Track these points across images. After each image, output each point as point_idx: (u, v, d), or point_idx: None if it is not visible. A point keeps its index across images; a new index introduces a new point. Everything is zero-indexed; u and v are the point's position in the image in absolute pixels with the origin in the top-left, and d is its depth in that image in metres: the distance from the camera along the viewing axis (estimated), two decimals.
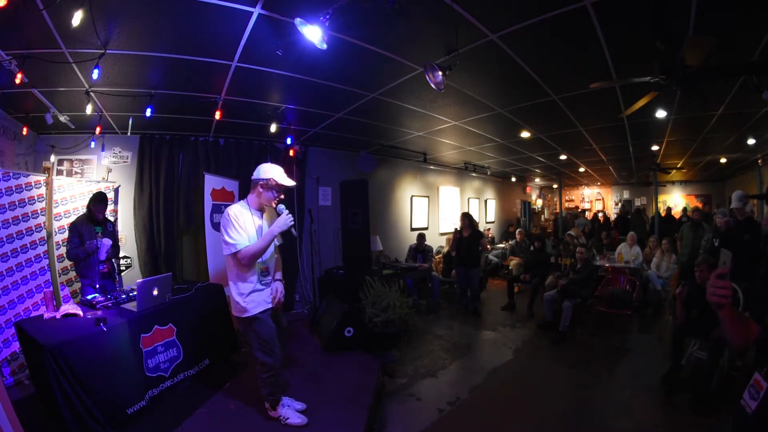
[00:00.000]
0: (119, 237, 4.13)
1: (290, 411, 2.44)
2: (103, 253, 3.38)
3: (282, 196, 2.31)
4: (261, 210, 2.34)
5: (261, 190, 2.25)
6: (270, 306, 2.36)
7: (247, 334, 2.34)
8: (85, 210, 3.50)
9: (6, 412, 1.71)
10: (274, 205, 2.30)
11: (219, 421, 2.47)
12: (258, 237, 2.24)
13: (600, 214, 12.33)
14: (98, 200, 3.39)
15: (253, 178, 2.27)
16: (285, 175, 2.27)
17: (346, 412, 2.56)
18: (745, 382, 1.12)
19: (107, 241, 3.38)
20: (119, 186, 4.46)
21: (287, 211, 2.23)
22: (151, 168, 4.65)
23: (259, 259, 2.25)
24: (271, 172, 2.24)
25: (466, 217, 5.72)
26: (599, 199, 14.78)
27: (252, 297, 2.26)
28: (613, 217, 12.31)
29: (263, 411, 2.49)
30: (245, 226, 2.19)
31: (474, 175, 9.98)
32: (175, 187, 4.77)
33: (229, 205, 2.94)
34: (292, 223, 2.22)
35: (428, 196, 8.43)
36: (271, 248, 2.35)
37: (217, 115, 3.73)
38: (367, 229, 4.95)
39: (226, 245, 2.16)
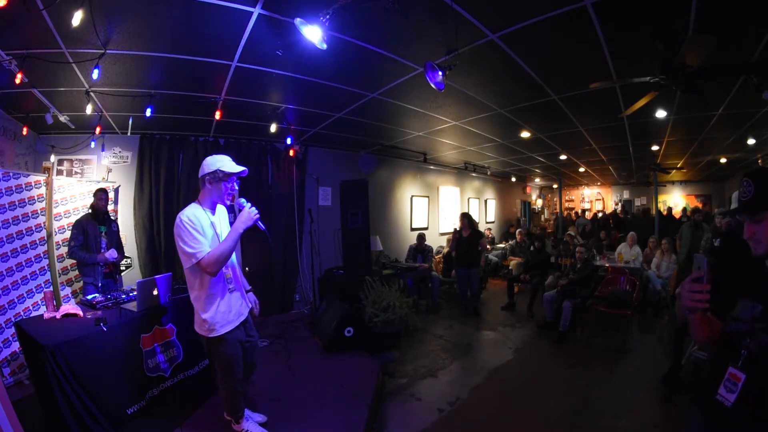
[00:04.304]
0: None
1: (252, 424, 2.32)
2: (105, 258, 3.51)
3: (237, 188, 2.07)
4: (213, 208, 2.11)
5: (209, 186, 2.03)
6: (242, 319, 2.17)
7: (210, 353, 2.12)
8: (88, 210, 3.60)
9: (6, 412, 1.71)
10: (230, 201, 2.08)
11: (219, 422, 2.46)
12: (216, 237, 2.02)
13: (600, 214, 12.34)
14: (99, 191, 3.58)
15: (199, 176, 2.06)
16: (233, 163, 2.04)
17: (346, 412, 2.56)
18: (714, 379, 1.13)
19: (113, 253, 3.53)
20: (119, 186, 4.46)
21: (249, 204, 1.98)
22: (151, 168, 4.66)
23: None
24: (216, 163, 2.00)
25: (466, 218, 5.72)
26: (599, 199, 14.79)
27: (222, 314, 2.02)
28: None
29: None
30: (203, 229, 1.95)
31: (474, 175, 9.98)
32: (175, 187, 4.77)
33: None
34: (258, 216, 1.97)
35: (428, 196, 8.43)
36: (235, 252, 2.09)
37: (217, 115, 3.73)
38: (367, 229, 4.95)
39: (187, 256, 1.90)
